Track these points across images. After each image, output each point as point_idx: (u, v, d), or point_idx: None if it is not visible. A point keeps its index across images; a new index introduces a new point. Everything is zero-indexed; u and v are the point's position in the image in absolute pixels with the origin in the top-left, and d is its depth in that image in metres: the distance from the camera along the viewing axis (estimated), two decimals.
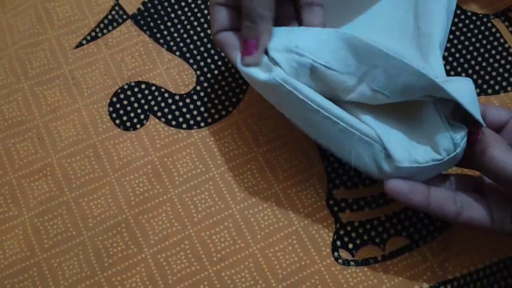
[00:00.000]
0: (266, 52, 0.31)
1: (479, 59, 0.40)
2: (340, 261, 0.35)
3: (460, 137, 0.29)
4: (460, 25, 0.41)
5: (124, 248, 0.36)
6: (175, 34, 0.41)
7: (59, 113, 0.39)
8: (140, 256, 0.35)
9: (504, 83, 0.40)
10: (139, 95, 0.39)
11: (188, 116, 0.39)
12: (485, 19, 0.41)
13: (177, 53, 0.41)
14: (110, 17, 0.42)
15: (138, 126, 0.39)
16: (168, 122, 0.39)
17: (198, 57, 0.41)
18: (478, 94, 0.39)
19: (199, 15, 0.42)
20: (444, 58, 0.40)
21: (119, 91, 0.40)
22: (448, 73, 0.40)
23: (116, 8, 0.42)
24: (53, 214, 0.36)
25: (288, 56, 0.31)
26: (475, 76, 0.40)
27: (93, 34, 0.41)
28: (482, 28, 0.41)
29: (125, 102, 0.39)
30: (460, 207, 0.31)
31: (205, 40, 0.41)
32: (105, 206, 0.37)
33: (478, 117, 0.29)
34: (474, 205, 0.31)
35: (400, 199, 0.30)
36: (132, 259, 0.35)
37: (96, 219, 0.36)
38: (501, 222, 0.30)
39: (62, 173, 0.37)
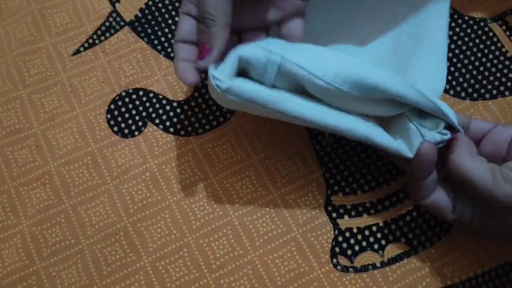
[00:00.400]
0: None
1: (477, 63, 0.40)
2: (339, 267, 0.35)
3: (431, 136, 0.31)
4: (457, 29, 0.41)
5: (123, 256, 0.36)
6: (173, 41, 0.41)
7: (57, 121, 0.39)
8: (139, 264, 0.35)
9: (502, 88, 0.40)
10: (137, 102, 0.39)
11: (186, 122, 0.39)
12: (482, 24, 0.41)
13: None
14: (107, 24, 0.42)
15: (136, 133, 0.39)
16: (166, 129, 0.39)
17: None
18: (476, 99, 0.39)
19: None
20: None
21: (116, 98, 0.39)
22: (445, 78, 0.40)
23: (114, 14, 0.42)
24: (52, 222, 0.36)
25: (259, 52, 0.30)
26: (472, 81, 0.40)
27: (90, 41, 0.41)
28: (479, 32, 0.41)
29: (123, 109, 0.39)
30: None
31: None
32: (104, 214, 0.37)
33: (456, 124, 0.32)
34: (440, 189, 0.32)
35: (425, 161, 0.31)
36: (130, 267, 0.35)
37: (94, 227, 0.36)
38: (461, 212, 0.32)
39: (61, 181, 0.37)
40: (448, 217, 0.32)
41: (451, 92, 0.40)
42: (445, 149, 0.32)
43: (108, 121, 0.39)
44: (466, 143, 0.31)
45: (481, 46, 0.41)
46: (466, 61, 0.40)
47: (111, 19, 0.42)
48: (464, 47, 0.41)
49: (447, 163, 0.31)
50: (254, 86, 0.30)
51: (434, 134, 0.32)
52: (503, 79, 0.40)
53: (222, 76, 0.29)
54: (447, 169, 0.31)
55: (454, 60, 0.40)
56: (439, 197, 0.32)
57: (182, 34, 0.33)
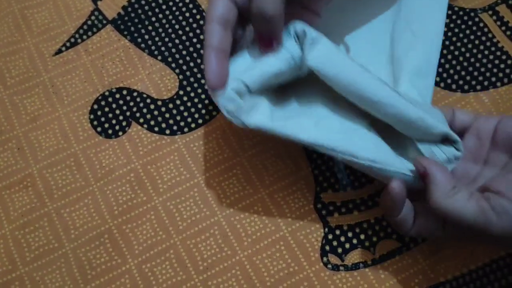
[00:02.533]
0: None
1: (467, 54, 0.39)
2: (329, 266, 0.35)
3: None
4: (448, 20, 0.40)
5: (108, 259, 0.35)
6: (157, 38, 0.40)
7: (39, 122, 0.38)
8: (124, 267, 0.35)
9: (493, 79, 0.39)
10: (121, 102, 0.39)
11: (171, 121, 0.38)
12: (472, 14, 0.41)
13: (159, 57, 0.40)
14: (89, 22, 0.41)
15: (120, 133, 0.38)
16: (151, 129, 0.38)
17: (181, 61, 0.40)
18: (467, 91, 0.39)
19: (180, 18, 0.41)
20: None
21: (100, 98, 0.39)
22: (436, 70, 0.39)
23: (96, 13, 0.41)
24: (35, 226, 0.36)
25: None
26: (463, 73, 0.39)
27: (72, 40, 0.40)
28: (470, 23, 0.40)
29: (107, 109, 0.38)
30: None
31: (187, 43, 0.40)
32: (88, 216, 0.36)
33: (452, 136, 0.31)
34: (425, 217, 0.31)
35: (396, 202, 0.30)
36: (116, 270, 0.34)
37: (78, 230, 0.35)
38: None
39: (43, 184, 0.36)
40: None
41: (442, 84, 0.39)
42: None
43: (91, 121, 0.38)
44: (442, 177, 0.30)
45: (472, 37, 0.40)
46: (456, 53, 0.40)
47: (93, 17, 0.41)
48: (454, 38, 0.40)
49: (427, 202, 0.30)
50: (267, 122, 0.31)
51: (433, 148, 0.31)
52: (494, 70, 0.39)
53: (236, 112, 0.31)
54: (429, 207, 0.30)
55: (445, 51, 0.40)
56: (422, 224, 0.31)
57: (219, 13, 0.31)
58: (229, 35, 0.32)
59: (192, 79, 0.39)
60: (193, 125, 0.38)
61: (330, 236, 0.35)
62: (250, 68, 0.31)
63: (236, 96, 0.31)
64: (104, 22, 0.41)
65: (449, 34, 0.40)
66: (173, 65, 0.40)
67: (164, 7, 0.41)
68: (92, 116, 0.38)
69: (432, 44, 0.36)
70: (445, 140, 0.32)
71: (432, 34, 0.36)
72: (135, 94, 0.39)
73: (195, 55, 0.40)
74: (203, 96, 0.39)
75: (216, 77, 0.30)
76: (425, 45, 0.36)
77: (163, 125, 0.38)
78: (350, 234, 0.35)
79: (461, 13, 0.41)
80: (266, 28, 0.31)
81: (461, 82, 0.39)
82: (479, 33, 0.40)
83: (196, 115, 0.38)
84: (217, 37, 0.31)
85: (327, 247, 0.35)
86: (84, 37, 0.40)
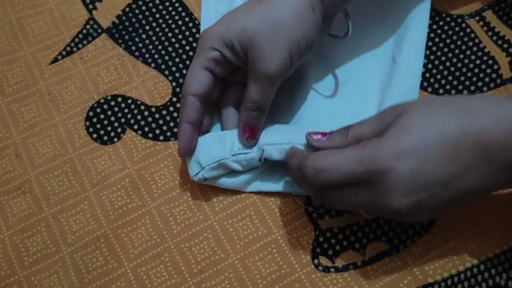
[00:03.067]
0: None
1: (454, 60, 0.40)
2: (320, 268, 0.35)
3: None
4: (435, 26, 0.41)
5: (104, 263, 0.35)
6: (150, 47, 0.41)
7: (36, 129, 0.39)
8: (120, 270, 0.35)
9: (480, 84, 0.40)
10: (116, 109, 0.39)
11: (165, 127, 0.39)
12: (459, 20, 0.41)
13: (153, 65, 0.41)
14: (84, 31, 0.42)
15: (115, 139, 0.39)
16: (145, 135, 0.39)
17: (174, 68, 0.41)
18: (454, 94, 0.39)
19: (173, 26, 0.42)
20: None
21: (95, 105, 0.40)
22: (423, 75, 0.40)
23: (91, 22, 0.42)
24: (33, 231, 0.36)
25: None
26: (450, 77, 0.40)
27: (68, 49, 0.41)
28: (457, 29, 0.41)
29: (102, 116, 0.39)
30: None
31: (180, 51, 0.41)
32: (84, 221, 0.36)
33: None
34: None
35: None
36: (112, 274, 0.35)
37: (75, 234, 0.36)
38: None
39: (41, 190, 0.37)
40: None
41: (429, 89, 0.40)
42: None
43: (87, 128, 0.39)
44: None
45: (459, 42, 0.41)
46: (443, 58, 0.40)
47: (88, 26, 0.42)
48: (441, 44, 0.41)
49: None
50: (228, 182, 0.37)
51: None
52: (481, 75, 0.40)
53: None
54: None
55: (432, 57, 0.40)
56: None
57: (200, 90, 0.35)
58: (202, 108, 0.35)
59: None
60: None
61: (321, 239, 0.36)
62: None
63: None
64: (99, 31, 0.42)
65: (436, 40, 0.41)
66: (166, 72, 0.41)
67: (157, 16, 0.42)
68: (87, 123, 0.39)
69: (411, 71, 0.39)
70: None
71: (412, 60, 0.39)
72: (129, 101, 0.40)
73: (187, 62, 0.41)
74: None
75: (185, 147, 0.35)
76: (404, 73, 0.39)
77: (157, 132, 0.39)
78: (340, 237, 0.36)
79: (448, 19, 0.41)
80: (255, 119, 0.35)
81: (448, 87, 0.40)
82: (466, 39, 0.41)
83: None
84: (194, 113, 0.35)
85: (318, 249, 0.36)
86: (80, 45, 0.41)
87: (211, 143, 0.36)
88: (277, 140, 0.35)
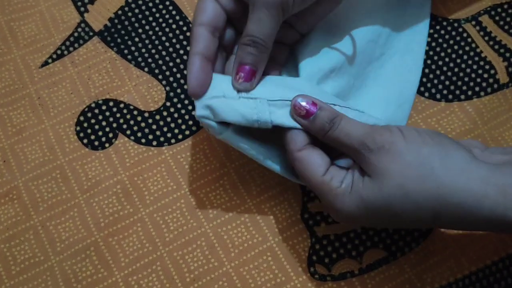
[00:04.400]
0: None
1: (451, 64, 0.40)
2: (316, 276, 0.34)
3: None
4: (431, 31, 0.41)
5: (94, 272, 0.34)
6: (143, 50, 0.40)
7: (25, 135, 0.38)
8: (110, 279, 0.34)
9: (477, 88, 0.39)
10: (107, 113, 0.39)
11: (158, 133, 0.38)
12: (456, 25, 0.41)
13: (146, 69, 0.40)
14: (76, 34, 0.41)
15: (106, 145, 0.38)
16: (137, 140, 0.38)
17: (167, 73, 0.40)
18: (451, 101, 0.39)
19: (167, 29, 0.41)
20: None
21: (86, 109, 0.39)
22: (420, 80, 0.39)
23: (82, 25, 0.41)
24: (20, 239, 0.35)
25: (249, 114, 0.31)
26: (447, 82, 0.39)
27: (59, 52, 0.40)
28: (454, 33, 0.41)
29: (93, 121, 0.38)
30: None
31: (174, 55, 0.40)
32: (74, 229, 0.35)
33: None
34: (315, 150, 0.31)
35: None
36: (102, 283, 0.34)
37: (64, 243, 0.35)
38: (331, 177, 0.30)
39: (29, 197, 0.36)
40: (317, 182, 0.30)
41: (426, 94, 0.39)
42: None
43: (78, 133, 0.38)
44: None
45: (456, 47, 0.40)
46: (440, 63, 0.40)
47: (79, 29, 0.41)
48: (438, 49, 0.40)
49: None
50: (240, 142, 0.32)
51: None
52: (478, 80, 0.39)
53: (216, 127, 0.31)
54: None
55: (429, 61, 0.40)
56: (310, 152, 0.30)
57: (207, 18, 0.31)
58: (215, 42, 0.32)
59: (178, 91, 0.39)
60: (180, 137, 0.38)
61: (317, 246, 0.35)
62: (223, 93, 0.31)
63: (211, 105, 0.31)
64: (91, 34, 0.41)
65: (433, 44, 0.40)
66: (160, 76, 0.40)
67: (150, 18, 0.41)
68: (78, 128, 0.38)
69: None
70: None
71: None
72: (121, 105, 0.39)
73: (181, 66, 0.40)
74: (189, 108, 0.39)
75: (198, 84, 0.31)
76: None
77: (150, 137, 0.38)
78: (337, 244, 0.35)
79: (444, 23, 0.41)
80: (251, 56, 0.31)
81: (445, 91, 0.39)
82: (462, 43, 0.41)
83: (183, 127, 0.38)
84: (203, 43, 0.31)
85: (314, 257, 0.35)
86: (71, 49, 0.40)
87: (223, 79, 0.32)
88: (286, 95, 0.31)
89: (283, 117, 0.31)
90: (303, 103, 0.30)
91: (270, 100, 0.31)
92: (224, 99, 0.31)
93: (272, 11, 0.30)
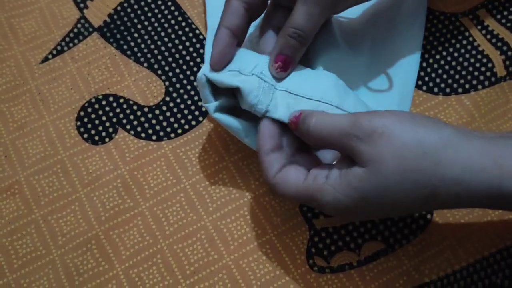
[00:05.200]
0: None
1: (449, 58, 0.40)
2: (315, 268, 0.35)
3: None
4: (429, 25, 0.41)
5: (95, 265, 0.35)
6: (143, 45, 0.41)
7: (26, 130, 0.38)
8: (111, 272, 0.35)
9: (474, 82, 0.39)
10: (107, 108, 0.39)
11: (157, 127, 0.38)
12: (453, 18, 0.41)
13: (145, 64, 0.40)
14: (75, 30, 0.41)
15: (106, 139, 0.38)
16: (137, 135, 0.38)
17: (167, 68, 0.40)
18: (449, 94, 0.39)
19: (166, 25, 0.41)
20: None
21: (86, 105, 0.39)
22: (418, 74, 0.39)
23: (82, 21, 0.41)
24: (22, 233, 0.36)
25: (255, 84, 0.32)
26: (445, 76, 0.40)
27: (59, 48, 0.41)
28: (451, 27, 0.41)
29: (93, 116, 0.39)
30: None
31: (173, 50, 0.41)
32: (75, 223, 0.36)
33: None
34: (290, 167, 0.31)
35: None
36: (103, 276, 0.35)
37: (65, 236, 0.36)
38: (314, 176, 0.30)
39: (30, 191, 0.37)
40: (298, 189, 0.30)
41: (424, 88, 0.39)
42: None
43: (78, 128, 0.38)
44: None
45: (453, 41, 0.41)
46: (438, 56, 0.40)
47: (79, 25, 0.41)
48: (435, 43, 0.41)
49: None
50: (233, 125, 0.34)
51: None
52: (476, 73, 0.40)
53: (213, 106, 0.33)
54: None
55: (426, 55, 0.40)
56: (289, 170, 0.30)
57: (233, 19, 0.32)
58: (247, 19, 0.32)
59: (178, 85, 0.40)
60: (179, 131, 0.38)
61: (315, 239, 0.36)
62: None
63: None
64: (90, 29, 0.41)
65: (431, 38, 0.41)
66: (159, 71, 0.40)
67: (149, 14, 0.42)
68: (78, 123, 0.38)
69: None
70: None
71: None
72: (121, 100, 0.39)
73: (180, 61, 0.40)
74: (189, 102, 0.39)
75: (220, 60, 0.32)
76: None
77: (150, 131, 0.38)
78: (335, 236, 0.36)
79: (442, 17, 0.41)
80: (293, 48, 0.31)
81: (442, 85, 0.39)
82: (460, 37, 0.41)
83: (182, 121, 0.39)
84: (235, 18, 0.32)
85: (313, 250, 0.35)
86: (71, 44, 0.41)
87: (243, 55, 0.33)
88: (304, 91, 0.31)
89: (279, 110, 0.31)
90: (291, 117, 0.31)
91: (278, 90, 0.32)
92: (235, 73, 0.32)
93: (323, 8, 0.31)
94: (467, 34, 0.41)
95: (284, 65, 0.32)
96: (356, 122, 0.28)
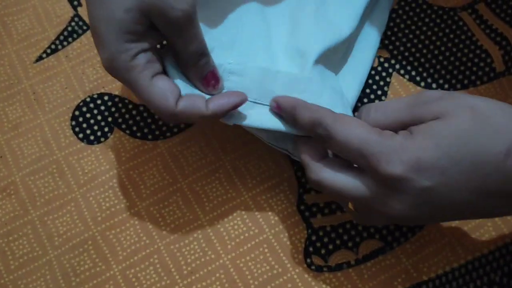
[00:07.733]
0: None
1: (447, 53, 0.40)
2: (313, 267, 0.35)
3: None
4: (427, 20, 0.40)
5: (92, 266, 0.35)
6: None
7: (21, 130, 0.38)
8: (108, 273, 0.35)
9: (473, 77, 0.39)
10: (102, 107, 0.39)
11: (153, 126, 0.38)
12: (451, 13, 0.41)
13: None
14: (69, 28, 0.41)
15: (102, 139, 0.38)
16: (133, 134, 0.38)
17: None
18: (447, 89, 0.39)
19: None
20: (412, 54, 0.39)
21: (81, 104, 0.39)
22: (416, 69, 0.39)
23: (76, 19, 0.41)
24: (18, 234, 0.36)
25: None
26: (443, 71, 0.39)
27: (53, 46, 0.40)
28: (449, 22, 0.41)
29: (88, 115, 0.38)
30: None
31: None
32: (71, 223, 0.36)
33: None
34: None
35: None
36: (100, 276, 0.35)
37: (62, 237, 0.35)
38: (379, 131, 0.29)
39: (26, 192, 0.36)
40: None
41: (422, 84, 0.39)
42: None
43: (73, 128, 0.38)
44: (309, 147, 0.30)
45: (452, 36, 0.40)
46: (436, 52, 0.40)
47: (73, 23, 0.41)
48: (434, 38, 0.40)
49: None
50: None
51: None
52: (474, 69, 0.39)
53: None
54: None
55: (424, 51, 0.40)
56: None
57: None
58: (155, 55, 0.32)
59: None
60: (175, 130, 0.38)
61: (313, 238, 0.35)
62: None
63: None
64: (85, 28, 0.41)
65: (429, 33, 0.40)
66: None
67: None
68: (73, 123, 0.38)
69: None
70: None
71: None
72: (116, 99, 0.39)
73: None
74: None
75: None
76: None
77: (146, 130, 0.38)
78: (333, 235, 0.35)
79: (440, 12, 0.41)
80: (207, 65, 0.31)
81: (441, 81, 0.39)
82: (458, 32, 0.40)
83: None
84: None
85: (311, 249, 0.35)
86: (65, 43, 0.40)
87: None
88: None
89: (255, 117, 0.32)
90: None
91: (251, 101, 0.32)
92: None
93: (191, 22, 0.30)
94: (465, 29, 0.40)
95: (215, 80, 0.32)
96: (414, 111, 0.28)
